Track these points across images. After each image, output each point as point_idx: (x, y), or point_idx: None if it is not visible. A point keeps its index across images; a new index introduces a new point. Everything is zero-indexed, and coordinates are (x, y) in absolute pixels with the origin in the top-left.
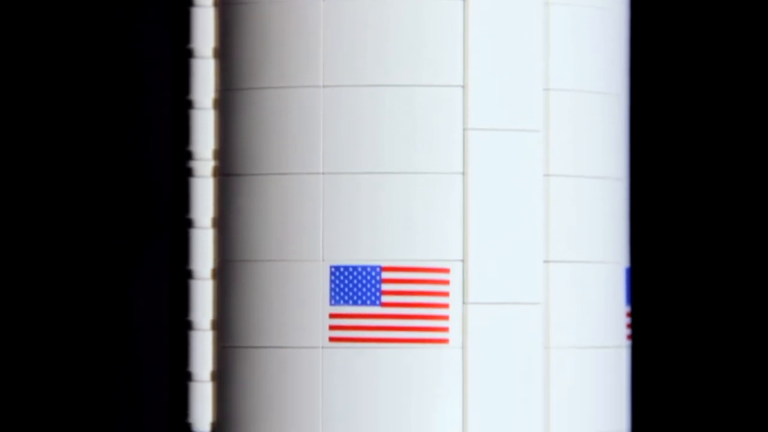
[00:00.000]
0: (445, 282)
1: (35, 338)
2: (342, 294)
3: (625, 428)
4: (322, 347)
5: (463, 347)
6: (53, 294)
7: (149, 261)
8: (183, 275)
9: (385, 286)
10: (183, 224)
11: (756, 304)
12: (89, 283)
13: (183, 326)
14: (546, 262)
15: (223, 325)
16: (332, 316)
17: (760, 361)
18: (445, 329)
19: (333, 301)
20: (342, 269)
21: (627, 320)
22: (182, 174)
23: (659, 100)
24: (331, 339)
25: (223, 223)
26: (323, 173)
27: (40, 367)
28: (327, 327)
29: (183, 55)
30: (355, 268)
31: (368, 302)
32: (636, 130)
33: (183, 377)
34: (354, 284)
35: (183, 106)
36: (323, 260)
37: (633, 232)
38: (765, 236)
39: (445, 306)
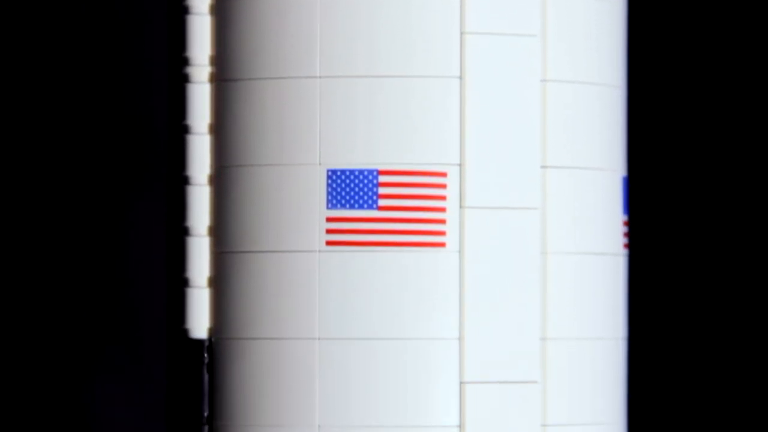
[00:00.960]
0: (443, 186)
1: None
2: (339, 198)
3: (622, 335)
4: (319, 251)
5: (460, 251)
6: (51, 204)
7: (146, 168)
8: (180, 182)
9: (382, 190)
10: (179, 130)
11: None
12: (87, 193)
13: (180, 232)
14: (543, 167)
15: (220, 230)
16: (329, 219)
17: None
18: (442, 233)
19: (330, 205)
20: (339, 173)
21: (624, 229)
22: (178, 80)
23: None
24: (328, 243)
25: (220, 128)
26: (320, 77)
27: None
28: (324, 231)
29: None
30: (352, 171)
31: (365, 206)
32: (633, 35)
33: (180, 283)
34: (351, 188)
35: (179, 11)
36: (320, 164)
37: (630, 140)
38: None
39: (442, 210)
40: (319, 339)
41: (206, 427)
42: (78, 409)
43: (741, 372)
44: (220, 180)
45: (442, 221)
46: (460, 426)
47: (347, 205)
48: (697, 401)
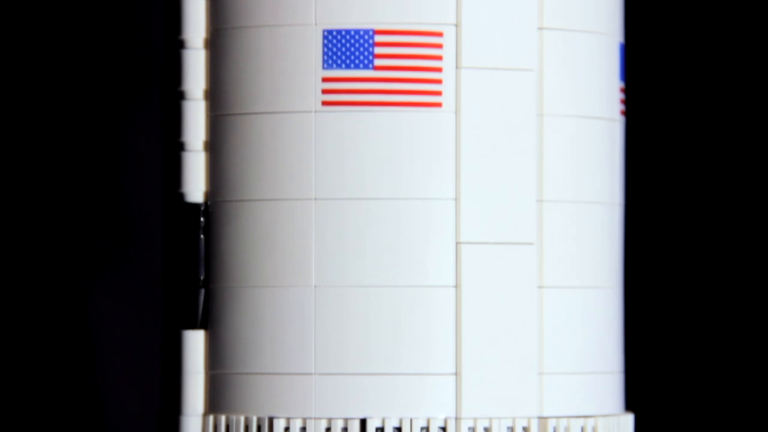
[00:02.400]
0: (439, 46)
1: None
2: (335, 58)
3: (619, 201)
4: (315, 111)
5: (456, 111)
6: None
7: (140, 29)
8: (175, 45)
9: (378, 50)
10: None
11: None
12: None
13: (176, 97)
14: (540, 29)
15: (215, 94)
16: (325, 80)
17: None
18: (438, 93)
19: (326, 65)
20: (335, 33)
21: (621, 96)
22: None
23: None
24: (324, 103)
25: None
26: None
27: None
28: (320, 91)
29: None
30: (348, 31)
31: (361, 65)
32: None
33: (176, 147)
34: (347, 48)
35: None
36: (316, 24)
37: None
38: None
39: (439, 70)
40: (315, 200)
41: (203, 290)
42: (74, 301)
43: (740, 371)
44: (216, 44)
45: (438, 81)
46: (456, 286)
47: (343, 65)
48: (696, 402)
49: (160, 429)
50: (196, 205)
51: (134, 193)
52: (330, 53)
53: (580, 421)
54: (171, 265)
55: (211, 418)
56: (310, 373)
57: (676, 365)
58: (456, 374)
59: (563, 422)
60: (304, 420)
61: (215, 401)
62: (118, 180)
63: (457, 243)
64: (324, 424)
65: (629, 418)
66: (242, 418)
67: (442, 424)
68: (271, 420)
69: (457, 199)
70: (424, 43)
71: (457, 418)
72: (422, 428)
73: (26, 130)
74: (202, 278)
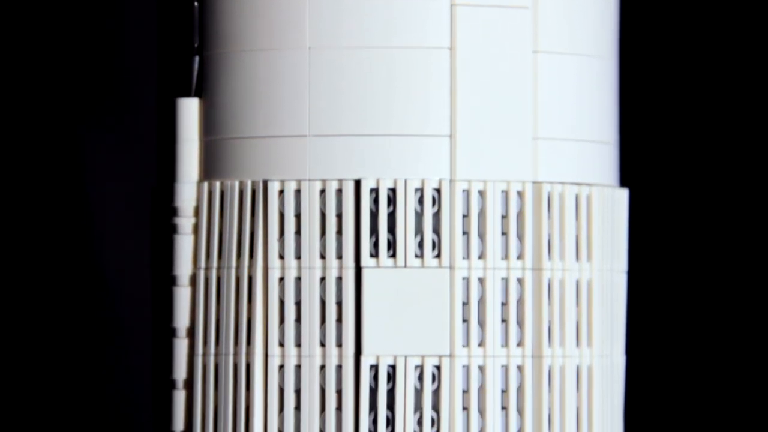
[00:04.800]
0: None
1: None
2: None
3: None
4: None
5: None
6: None
7: None
8: None
9: None
10: None
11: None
12: None
13: None
14: None
15: None
16: None
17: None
18: None
19: None
20: None
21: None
22: None
23: None
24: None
25: None
26: None
27: None
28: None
29: None
30: None
31: None
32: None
33: None
34: None
35: None
36: None
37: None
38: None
39: None
40: None
41: (197, 58)
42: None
43: (740, 371)
44: None
45: None
46: (451, 48)
47: None
48: (695, 403)
49: (155, 199)
50: None
51: None
52: None
53: (575, 188)
54: (164, 34)
55: (205, 184)
56: (304, 135)
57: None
58: (450, 136)
59: (558, 188)
60: (299, 182)
61: (210, 168)
62: None
63: (451, 5)
64: (318, 186)
65: (624, 193)
66: (237, 183)
67: (436, 186)
68: (265, 183)
69: None
70: None
71: (451, 181)
72: (416, 189)
73: None
74: (196, 45)
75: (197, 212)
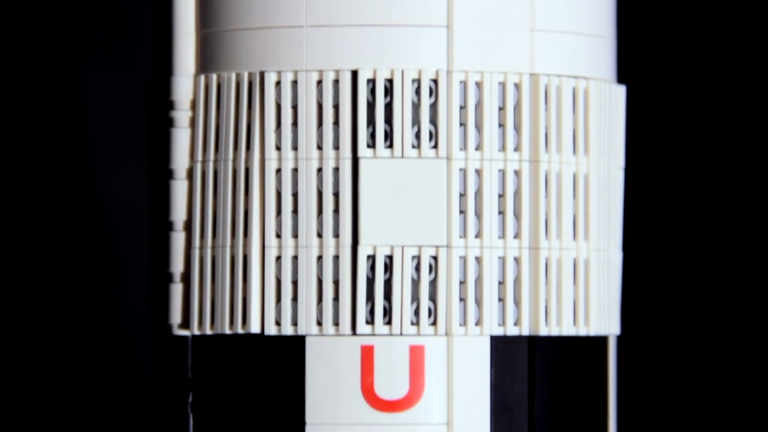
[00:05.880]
0: None
1: None
2: None
3: None
4: None
5: None
6: None
7: None
8: None
9: None
10: None
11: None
12: None
13: None
14: None
15: None
16: None
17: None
18: None
19: None
20: None
21: None
22: None
23: None
24: None
25: None
26: None
27: None
28: None
29: None
30: None
31: None
32: None
33: None
34: None
35: None
36: None
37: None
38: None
39: None
40: None
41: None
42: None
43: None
44: None
45: None
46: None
47: None
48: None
49: (151, 93)
50: None
51: None
52: None
53: (572, 81)
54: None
55: (202, 77)
56: (301, 26)
57: (676, 331)
58: (447, 27)
59: (555, 80)
60: (295, 73)
61: (206, 60)
62: None
63: None
64: (315, 77)
65: (621, 89)
66: (233, 75)
67: (433, 76)
68: (262, 74)
69: None
70: None
71: (448, 71)
72: (413, 80)
73: None
74: None
75: (194, 105)
